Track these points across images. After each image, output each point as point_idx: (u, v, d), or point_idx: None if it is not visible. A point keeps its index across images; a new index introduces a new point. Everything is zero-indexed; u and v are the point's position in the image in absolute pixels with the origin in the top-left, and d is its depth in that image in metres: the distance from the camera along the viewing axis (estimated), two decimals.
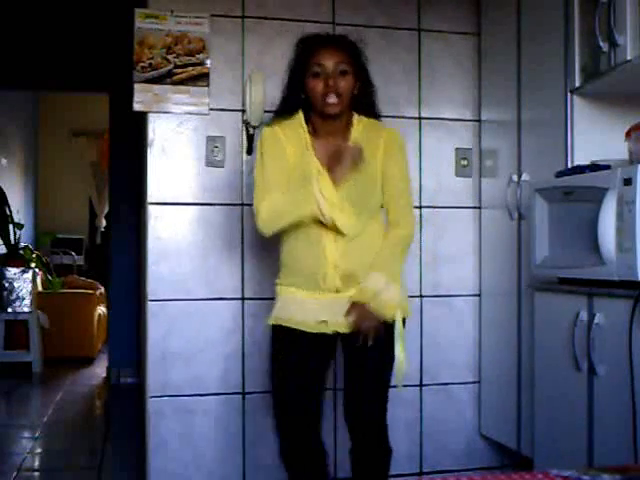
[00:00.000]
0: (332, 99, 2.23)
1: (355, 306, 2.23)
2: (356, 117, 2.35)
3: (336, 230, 2.23)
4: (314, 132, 2.33)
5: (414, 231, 2.42)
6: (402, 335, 2.31)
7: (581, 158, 2.54)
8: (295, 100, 2.33)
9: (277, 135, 2.31)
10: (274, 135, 2.32)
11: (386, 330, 2.27)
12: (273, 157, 2.30)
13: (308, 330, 2.28)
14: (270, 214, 2.27)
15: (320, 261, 2.26)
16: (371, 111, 2.37)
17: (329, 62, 2.24)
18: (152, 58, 2.93)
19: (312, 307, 2.29)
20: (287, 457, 2.36)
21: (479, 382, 3.30)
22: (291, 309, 2.30)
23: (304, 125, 2.32)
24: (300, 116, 2.33)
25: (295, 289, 2.31)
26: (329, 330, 2.29)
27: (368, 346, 2.22)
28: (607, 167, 2.29)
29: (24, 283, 5.97)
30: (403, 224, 2.35)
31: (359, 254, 2.27)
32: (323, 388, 2.39)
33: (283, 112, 2.36)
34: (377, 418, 2.38)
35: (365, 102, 2.35)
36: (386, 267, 2.28)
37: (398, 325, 2.30)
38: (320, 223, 2.23)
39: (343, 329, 2.28)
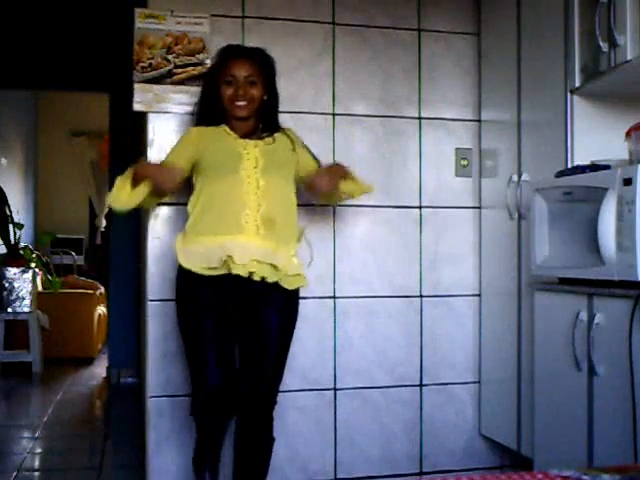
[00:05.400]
0: (241, 102, 2.53)
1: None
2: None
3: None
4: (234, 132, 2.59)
5: None
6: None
7: (581, 158, 2.54)
8: (210, 105, 2.60)
9: (192, 131, 2.62)
10: (190, 132, 2.64)
11: (286, 303, 2.53)
12: (182, 145, 2.60)
13: (215, 273, 2.43)
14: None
15: (243, 204, 2.45)
16: (273, 118, 2.65)
17: (240, 73, 2.54)
18: (152, 58, 2.93)
19: (221, 248, 2.42)
20: (202, 401, 2.49)
21: (479, 382, 3.30)
22: (203, 257, 2.45)
23: (230, 132, 2.57)
24: (224, 126, 2.60)
25: (208, 236, 2.46)
26: (239, 271, 2.41)
27: (267, 327, 2.48)
28: (607, 167, 2.29)
29: (24, 283, 5.97)
30: None
31: (279, 203, 2.51)
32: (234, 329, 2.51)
33: (202, 117, 2.63)
34: (267, 405, 2.52)
35: (270, 109, 2.63)
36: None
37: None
38: (240, 167, 2.48)
39: (248, 270, 2.42)
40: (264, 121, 2.62)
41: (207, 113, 2.61)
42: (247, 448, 2.50)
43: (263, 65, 2.60)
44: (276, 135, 2.61)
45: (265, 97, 2.59)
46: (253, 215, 2.45)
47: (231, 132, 2.56)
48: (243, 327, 2.50)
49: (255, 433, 2.49)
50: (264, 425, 2.51)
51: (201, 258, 2.45)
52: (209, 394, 2.47)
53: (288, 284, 2.51)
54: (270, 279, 2.46)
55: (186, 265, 2.48)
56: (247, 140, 2.54)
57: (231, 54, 2.60)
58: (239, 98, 2.52)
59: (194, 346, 2.50)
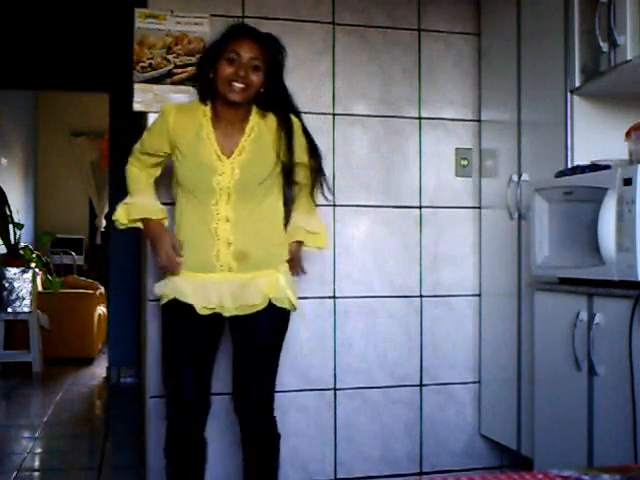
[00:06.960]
0: (238, 85, 2.32)
1: (296, 248, 2.54)
2: (254, 109, 2.44)
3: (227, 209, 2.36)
4: (216, 119, 2.40)
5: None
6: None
7: (581, 158, 2.54)
8: (206, 79, 2.40)
9: (168, 117, 2.40)
10: (166, 116, 2.41)
11: (275, 318, 2.41)
12: (156, 134, 2.44)
13: (200, 312, 2.35)
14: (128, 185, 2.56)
15: (213, 239, 2.35)
16: (280, 109, 2.44)
17: (246, 54, 2.32)
18: (152, 58, 2.93)
19: (203, 289, 2.35)
20: (172, 445, 2.43)
21: (479, 382, 3.30)
22: (184, 290, 2.36)
23: (208, 113, 2.40)
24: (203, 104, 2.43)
25: (186, 271, 2.38)
26: (221, 312, 2.37)
27: (257, 330, 2.40)
28: (607, 167, 2.29)
29: (24, 283, 5.97)
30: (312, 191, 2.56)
31: (252, 232, 2.38)
32: (212, 368, 2.46)
33: (201, 92, 2.45)
34: (265, 404, 2.46)
35: (271, 102, 2.43)
36: (310, 212, 2.57)
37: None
38: (211, 200, 2.35)
39: (233, 312, 2.36)
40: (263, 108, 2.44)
41: (203, 89, 2.44)
42: (253, 447, 2.48)
43: (271, 52, 2.39)
44: (266, 121, 2.43)
45: (262, 89, 2.38)
46: (224, 252, 2.34)
47: (211, 134, 2.38)
48: (233, 330, 2.46)
49: (258, 432, 2.47)
50: (266, 423, 2.49)
51: (181, 294, 2.37)
52: (183, 408, 2.41)
53: (275, 302, 2.42)
54: (247, 312, 2.40)
55: (166, 293, 2.42)
56: (223, 157, 2.36)
57: (240, 32, 2.38)
58: (238, 80, 2.30)
59: (172, 360, 2.43)
